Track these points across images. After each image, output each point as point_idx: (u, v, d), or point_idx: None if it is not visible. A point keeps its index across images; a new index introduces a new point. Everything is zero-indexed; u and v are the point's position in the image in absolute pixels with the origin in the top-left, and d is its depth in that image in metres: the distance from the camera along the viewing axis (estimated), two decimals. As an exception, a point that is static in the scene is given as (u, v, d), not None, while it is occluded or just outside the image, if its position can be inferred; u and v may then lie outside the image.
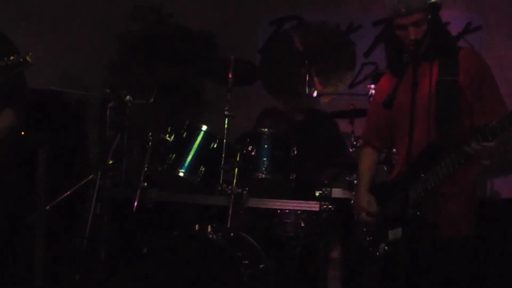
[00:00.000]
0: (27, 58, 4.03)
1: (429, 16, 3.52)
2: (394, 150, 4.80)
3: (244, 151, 4.84)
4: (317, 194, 4.84)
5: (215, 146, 4.91)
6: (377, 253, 3.81)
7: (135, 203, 4.67)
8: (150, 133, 4.86)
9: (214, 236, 4.39)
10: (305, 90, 5.31)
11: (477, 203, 3.80)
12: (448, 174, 3.57)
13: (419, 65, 3.50)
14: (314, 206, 4.88)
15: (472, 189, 3.78)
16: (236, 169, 4.78)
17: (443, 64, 3.73)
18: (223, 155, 4.82)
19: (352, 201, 4.80)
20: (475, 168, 3.75)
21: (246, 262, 4.35)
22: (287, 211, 5.03)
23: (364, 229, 3.93)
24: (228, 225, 4.62)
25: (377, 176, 4.80)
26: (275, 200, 4.96)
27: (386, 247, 3.76)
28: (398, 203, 3.70)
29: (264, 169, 4.83)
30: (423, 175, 3.61)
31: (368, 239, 3.91)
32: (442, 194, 3.63)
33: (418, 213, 3.55)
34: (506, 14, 7.03)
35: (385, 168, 5.04)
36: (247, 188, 4.78)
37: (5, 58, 4.02)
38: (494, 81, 3.76)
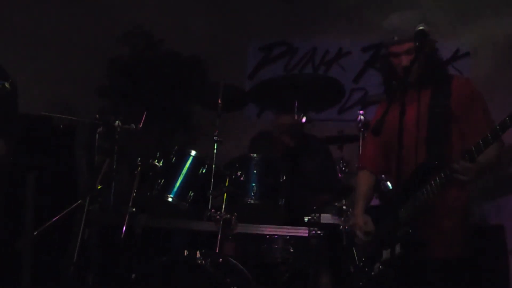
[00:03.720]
0: (6, 84, 3.97)
1: (417, 43, 3.57)
2: (383, 175, 4.86)
3: (233, 176, 4.83)
4: (306, 219, 4.84)
5: (204, 171, 4.89)
6: (372, 273, 3.84)
7: (124, 229, 4.64)
8: (139, 158, 4.84)
9: (203, 261, 4.37)
10: (295, 115, 5.30)
11: (470, 227, 3.87)
12: (436, 194, 3.64)
13: (408, 91, 3.57)
14: (303, 231, 4.87)
15: (464, 211, 3.84)
16: (225, 194, 4.77)
17: (436, 91, 3.84)
18: (212, 181, 4.80)
19: (341, 227, 4.81)
20: (465, 190, 3.81)
21: (235, 288, 4.33)
22: (276, 236, 5.01)
23: (360, 250, 3.99)
24: (217, 251, 4.60)
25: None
26: (264, 225, 4.93)
27: (380, 267, 3.80)
28: (390, 223, 3.78)
29: (253, 194, 4.82)
30: (413, 195, 3.68)
31: (363, 259, 3.96)
32: (434, 214, 3.70)
33: (410, 230, 3.60)
34: (492, 42, 7.08)
35: (374, 195, 5.04)
36: (236, 214, 4.77)
37: None
38: (485, 107, 3.87)
